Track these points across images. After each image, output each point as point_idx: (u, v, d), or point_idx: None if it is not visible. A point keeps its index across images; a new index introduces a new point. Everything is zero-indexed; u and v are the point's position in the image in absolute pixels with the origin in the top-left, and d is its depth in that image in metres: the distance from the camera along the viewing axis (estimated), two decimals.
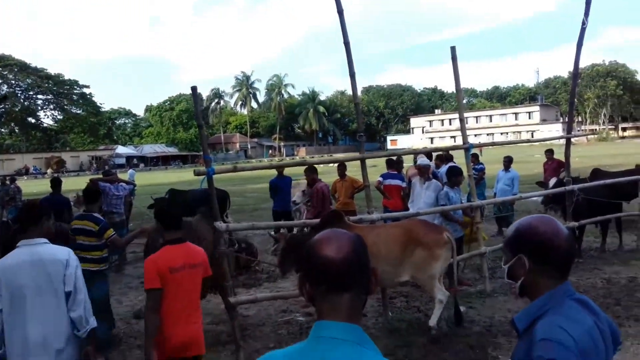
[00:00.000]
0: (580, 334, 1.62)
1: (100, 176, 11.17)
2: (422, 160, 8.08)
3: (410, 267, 5.81)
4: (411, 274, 5.86)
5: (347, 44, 5.91)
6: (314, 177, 9.29)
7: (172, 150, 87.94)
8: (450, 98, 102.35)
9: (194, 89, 5.30)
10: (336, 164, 9.76)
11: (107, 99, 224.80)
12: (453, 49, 6.43)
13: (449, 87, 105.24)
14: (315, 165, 9.41)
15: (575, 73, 7.76)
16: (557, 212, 9.71)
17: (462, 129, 6.99)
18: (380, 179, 9.65)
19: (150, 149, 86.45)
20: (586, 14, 7.50)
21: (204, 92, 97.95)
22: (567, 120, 8.71)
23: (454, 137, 77.81)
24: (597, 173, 10.39)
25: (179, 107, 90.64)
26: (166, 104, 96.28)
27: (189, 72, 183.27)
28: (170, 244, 3.70)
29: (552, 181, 9.46)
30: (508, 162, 11.15)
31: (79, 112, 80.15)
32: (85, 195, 4.74)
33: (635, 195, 9.84)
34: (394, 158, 10.11)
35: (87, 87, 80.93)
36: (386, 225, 6.33)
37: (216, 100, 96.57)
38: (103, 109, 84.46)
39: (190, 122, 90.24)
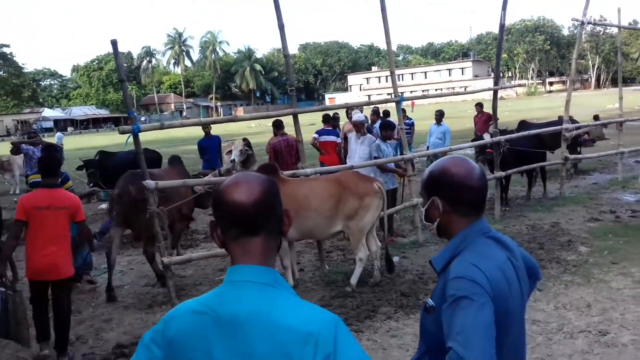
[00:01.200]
0: (492, 270, 1.64)
1: (22, 139, 10.57)
2: (357, 115, 8.09)
3: (342, 217, 5.88)
4: (343, 224, 5.93)
5: None
6: (275, 131, 9.03)
7: (103, 112, 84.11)
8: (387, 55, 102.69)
9: (113, 42, 5.02)
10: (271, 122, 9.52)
11: (29, 59, 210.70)
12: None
13: (385, 45, 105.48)
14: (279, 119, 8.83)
15: (502, 24, 7.90)
16: (484, 163, 10.07)
17: (393, 81, 7.02)
18: (316, 135, 9.62)
19: (80, 111, 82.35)
20: None
21: (134, 50, 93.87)
22: (494, 73, 8.83)
23: (390, 94, 78.51)
24: (523, 124, 10.80)
25: (108, 66, 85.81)
26: (94, 63, 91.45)
27: (119, 31, 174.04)
28: (43, 187, 4.59)
29: (486, 137, 9.72)
30: (440, 115, 11.36)
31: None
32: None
33: (558, 145, 10.32)
34: (330, 114, 10.09)
35: (7, 46, 75.41)
36: (318, 177, 6.35)
37: (147, 59, 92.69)
38: (26, 70, 79.23)
39: None
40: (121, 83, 5.29)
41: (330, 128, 9.81)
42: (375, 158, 7.41)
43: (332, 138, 9.52)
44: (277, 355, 1.22)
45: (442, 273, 1.73)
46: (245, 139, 11.71)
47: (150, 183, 5.33)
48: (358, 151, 7.74)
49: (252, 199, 1.33)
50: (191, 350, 1.28)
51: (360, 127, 7.91)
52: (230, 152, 8.49)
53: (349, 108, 10.15)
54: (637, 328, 4.61)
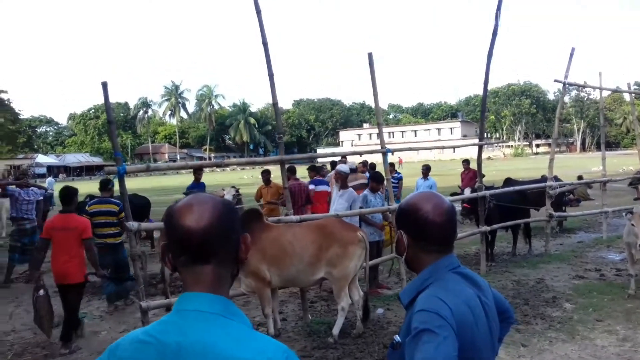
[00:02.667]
0: (457, 304, 1.62)
1: (8, 181, 10.54)
2: (341, 166, 8.12)
3: (324, 265, 5.84)
4: (325, 271, 5.88)
5: (265, 44, 5.90)
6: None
7: (97, 160, 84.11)
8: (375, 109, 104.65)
9: (104, 84, 5.10)
10: (261, 172, 9.84)
11: (26, 106, 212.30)
12: (370, 55, 6.59)
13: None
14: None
15: (486, 82, 8.15)
16: (472, 220, 10.13)
17: (380, 133, 7.14)
18: (312, 186, 9.61)
19: (74, 159, 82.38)
20: (497, 17, 7.91)
21: (131, 100, 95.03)
22: (479, 129, 9.02)
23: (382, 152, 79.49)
24: (509, 182, 10.94)
25: (104, 115, 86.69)
26: (91, 112, 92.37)
27: (116, 81, 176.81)
28: (61, 212, 6.02)
29: (467, 191, 9.84)
30: (426, 169, 11.56)
31: None
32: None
33: (543, 203, 10.44)
34: (317, 165, 10.22)
35: (5, 92, 76.06)
36: (302, 224, 6.34)
37: (144, 109, 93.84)
38: (22, 116, 79.61)
39: (117, 131, 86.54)
40: (109, 124, 5.34)
41: (322, 178, 9.91)
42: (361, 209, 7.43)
43: (325, 188, 9.60)
44: None
45: (409, 307, 1.72)
46: (234, 187, 11.87)
47: (132, 224, 5.29)
48: (336, 204, 7.66)
49: (201, 224, 1.26)
50: None
51: (342, 179, 7.84)
52: (222, 197, 8.54)
53: (342, 156, 10.30)
54: None
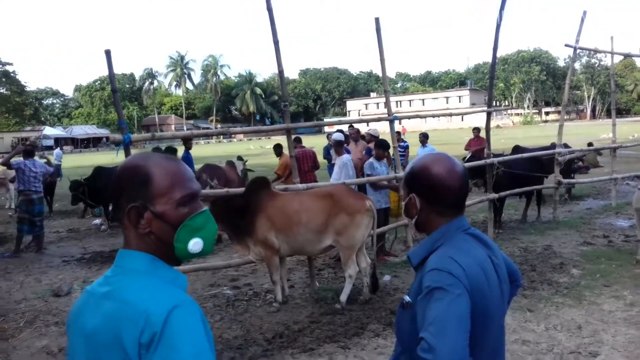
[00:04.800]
0: (470, 264, 1.62)
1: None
2: (335, 134, 8.13)
3: (332, 233, 5.84)
4: (333, 239, 5.89)
5: (269, 9, 5.77)
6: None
7: (104, 132, 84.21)
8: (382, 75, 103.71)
9: (107, 52, 5.04)
10: (272, 145, 10.09)
11: (32, 78, 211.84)
12: (377, 20, 6.44)
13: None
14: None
15: (495, 48, 7.98)
16: (480, 186, 10.09)
17: (387, 100, 7.04)
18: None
19: (81, 130, 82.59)
20: None
21: (137, 72, 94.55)
22: (488, 96, 8.90)
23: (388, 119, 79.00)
24: (517, 149, 10.84)
25: (110, 87, 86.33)
26: (96, 83, 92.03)
27: (122, 52, 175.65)
28: None
29: (468, 156, 9.84)
30: (424, 137, 11.55)
31: (1, 91, 75.02)
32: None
33: (552, 171, 10.36)
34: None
35: (10, 64, 75.86)
36: (309, 192, 6.33)
37: (149, 81, 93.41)
38: (28, 89, 79.48)
39: (123, 103, 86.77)
40: (113, 94, 5.29)
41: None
42: (368, 176, 7.40)
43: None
44: (105, 330, 1.25)
45: (419, 268, 1.71)
46: (241, 158, 12.04)
47: None
48: (333, 171, 7.72)
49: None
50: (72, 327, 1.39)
51: (336, 146, 7.92)
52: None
53: (350, 125, 10.25)
54: (628, 350, 4.55)
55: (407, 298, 1.72)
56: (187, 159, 11.05)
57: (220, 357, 4.83)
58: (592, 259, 7.37)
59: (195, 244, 1.37)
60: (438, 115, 11.95)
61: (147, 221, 1.35)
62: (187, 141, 11.13)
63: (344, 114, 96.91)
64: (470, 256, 1.66)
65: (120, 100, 5.49)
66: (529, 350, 4.63)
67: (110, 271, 1.39)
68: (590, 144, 15.60)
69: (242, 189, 6.24)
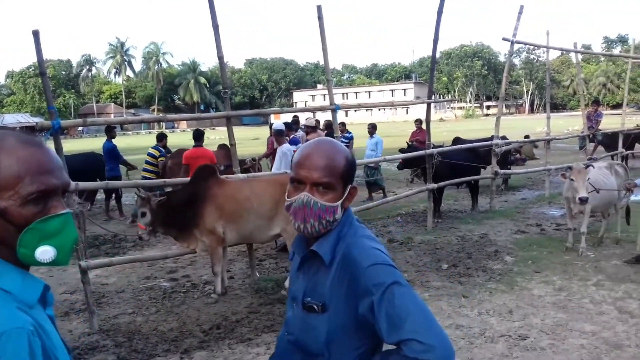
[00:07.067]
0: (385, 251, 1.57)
1: None
2: (276, 124, 8.18)
3: (281, 220, 5.80)
4: (281, 227, 5.86)
5: None
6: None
7: (39, 121, 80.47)
8: (333, 74, 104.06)
9: (35, 32, 4.76)
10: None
11: None
12: (319, 8, 6.38)
13: (332, 63, 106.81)
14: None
15: (435, 39, 8.08)
16: (420, 177, 10.26)
17: (329, 89, 7.00)
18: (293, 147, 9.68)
19: (12, 119, 78.13)
20: None
21: (74, 58, 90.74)
22: (428, 87, 9.03)
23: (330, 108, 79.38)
24: (457, 141, 11.08)
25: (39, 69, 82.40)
26: (30, 69, 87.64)
27: (57, 37, 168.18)
28: None
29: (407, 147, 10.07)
30: (372, 128, 11.66)
31: None
32: None
33: (489, 162, 10.66)
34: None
35: None
36: (259, 179, 6.27)
37: (87, 67, 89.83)
38: None
39: (59, 90, 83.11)
40: (41, 76, 5.00)
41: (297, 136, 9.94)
42: None
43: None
44: None
45: (332, 263, 1.55)
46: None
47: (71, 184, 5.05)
48: (275, 161, 7.83)
49: None
50: None
51: (277, 136, 8.08)
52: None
53: (294, 116, 10.22)
54: (555, 333, 4.73)
55: (311, 300, 1.57)
56: (111, 148, 10.79)
57: (154, 350, 4.70)
58: (525, 246, 7.64)
59: (44, 253, 1.14)
60: (380, 106, 12.04)
61: None
62: (110, 130, 10.88)
63: (291, 105, 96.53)
64: (379, 243, 1.60)
65: (54, 87, 5.20)
66: (462, 334, 4.74)
67: None
68: (526, 137, 16.17)
69: (187, 179, 6.10)
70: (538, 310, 5.27)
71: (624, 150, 14.30)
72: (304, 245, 1.67)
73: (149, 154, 10.57)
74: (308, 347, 1.59)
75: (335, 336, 1.53)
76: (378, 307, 1.42)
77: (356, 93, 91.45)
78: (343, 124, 11.60)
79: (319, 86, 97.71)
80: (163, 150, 10.66)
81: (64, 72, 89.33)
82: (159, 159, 10.40)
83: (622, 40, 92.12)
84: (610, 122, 21.23)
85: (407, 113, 78.07)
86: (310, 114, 10.82)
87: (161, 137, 10.94)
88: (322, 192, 1.54)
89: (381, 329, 1.42)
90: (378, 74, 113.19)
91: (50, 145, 5.07)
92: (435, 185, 9.02)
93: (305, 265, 1.64)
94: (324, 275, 1.56)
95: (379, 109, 75.28)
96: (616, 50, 79.67)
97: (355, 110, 73.79)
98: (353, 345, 1.54)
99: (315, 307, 1.56)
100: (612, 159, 12.45)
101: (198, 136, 8.76)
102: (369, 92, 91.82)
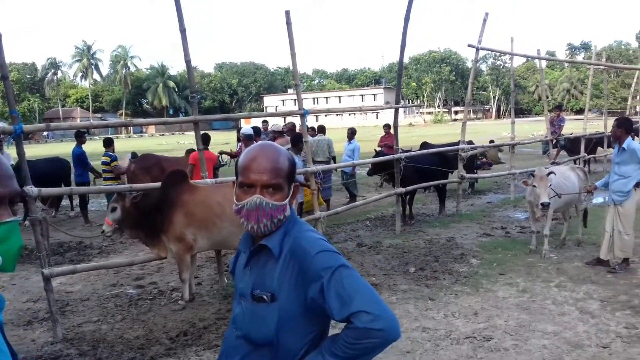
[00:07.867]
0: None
1: None
2: (244, 128, 8.19)
3: None
4: None
5: None
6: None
7: (1, 125, 78.32)
8: (303, 78, 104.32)
9: None
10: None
11: None
12: (287, 13, 6.41)
13: (302, 68, 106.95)
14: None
15: (403, 44, 8.19)
16: (389, 182, 10.37)
17: (297, 94, 7.02)
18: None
19: None
20: None
21: (39, 61, 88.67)
22: (396, 92, 9.14)
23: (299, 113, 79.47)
24: (425, 145, 11.25)
25: (10, 76, 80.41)
26: None
27: (22, 40, 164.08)
28: None
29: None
30: (351, 133, 11.77)
31: None
32: None
33: (456, 166, 10.84)
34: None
35: None
36: (230, 184, 6.23)
37: (53, 71, 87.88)
38: None
39: (23, 94, 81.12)
40: (3, 80, 4.88)
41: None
42: None
43: None
44: None
45: (280, 256, 1.64)
46: (134, 152, 11.65)
47: (32, 190, 4.95)
48: None
49: None
50: None
51: (245, 141, 8.10)
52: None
53: (264, 120, 10.24)
54: (518, 333, 4.84)
55: (260, 292, 1.64)
56: (80, 154, 10.64)
57: (120, 358, 4.63)
58: (490, 249, 7.79)
59: None
60: (350, 111, 12.10)
61: None
62: (80, 136, 10.71)
63: (261, 110, 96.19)
64: (322, 235, 1.73)
65: (18, 90, 5.09)
66: (427, 336, 4.81)
67: None
68: (491, 141, 16.51)
69: (158, 184, 5.98)
70: (502, 311, 5.38)
71: (586, 154, 14.72)
72: (250, 243, 1.76)
73: (103, 162, 10.41)
74: (257, 339, 1.66)
75: (286, 324, 1.61)
76: (327, 288, 1.54)
77: (326, 98, 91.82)
78: (313, 129, 11.66)
79: (290, 91, 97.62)
80: (114, 154, 10.51)
81: (28, 76, 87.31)
82: (112, 164, 10.30)
83: (585, 47, 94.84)
84: (573, 127, 21.82)
85: (377, 118, 78.69)
86: (280, 119, 10.85)
87: (109, 143, 10.65)
88: (272, 193, 1.64)
89: (331, 307, 1.53)
90: (348, 79, 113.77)
91: (13, 150, 4.96)
92: (403, 190, 9.13)
93: (252, 260, 1.73)
94: (273, 267, 1.65)
95: (349, 114, 75.62)
96: (579, 57, 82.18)
97: (325, 115, 74.02)
98: (302, 331, 1.64)
99: (265, 297, 1.63)
100: (575, 163, 12.79)
101: (204, 140, 8.79)
102: (339, 97, 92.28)
